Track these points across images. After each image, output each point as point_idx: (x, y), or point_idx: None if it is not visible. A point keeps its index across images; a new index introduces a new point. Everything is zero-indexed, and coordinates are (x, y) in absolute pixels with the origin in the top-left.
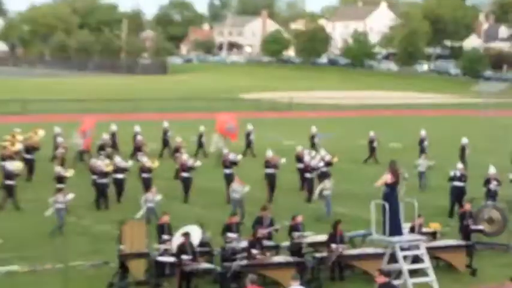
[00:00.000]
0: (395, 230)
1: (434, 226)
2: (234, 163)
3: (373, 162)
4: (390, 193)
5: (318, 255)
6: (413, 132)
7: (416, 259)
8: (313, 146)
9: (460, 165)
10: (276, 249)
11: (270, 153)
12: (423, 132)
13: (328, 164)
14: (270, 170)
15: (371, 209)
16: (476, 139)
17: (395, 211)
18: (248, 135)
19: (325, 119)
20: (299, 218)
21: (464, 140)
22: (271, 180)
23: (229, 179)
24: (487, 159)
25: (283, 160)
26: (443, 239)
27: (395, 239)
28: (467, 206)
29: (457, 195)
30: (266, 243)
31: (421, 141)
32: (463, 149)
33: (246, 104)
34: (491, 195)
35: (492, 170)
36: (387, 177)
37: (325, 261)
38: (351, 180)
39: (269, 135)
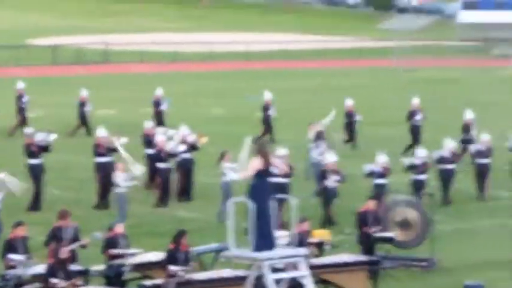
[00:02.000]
0: (264, 241)
1: (320, 234)
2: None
3: None
4: (259, 187)
5: (148, 283)
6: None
7: (295, 284)
8: (159, 118)
9: (382, 159)
10: (85, 275)
11: (102, 132)
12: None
13: (193, 147)
14: (102, 159)
15: (228, 210)
16: (387, 105)
17: (264, 213)
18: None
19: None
20: (118, 228)
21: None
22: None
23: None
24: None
25: (122, 140)
26: (334, 253)
27: (263, 255)
28: (370, 204)
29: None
30: (72, 267)
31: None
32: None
33: (36, 53)
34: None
35: (421, 153)
36: (255, 164)
37: None
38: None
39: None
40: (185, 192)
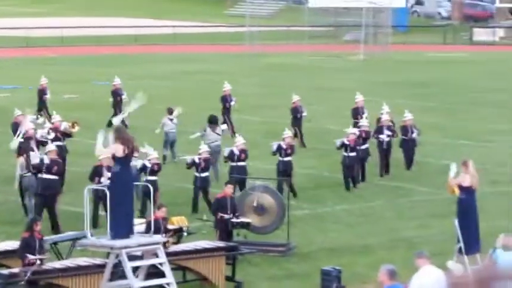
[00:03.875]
0: (121, 228)
1: (177, 221)
2: None
3: None
4: (121, 172)
5: (4, 271)
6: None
7: (154, 271)
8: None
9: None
10: None
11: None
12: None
13: (66, 135)
14: None
15: (84, 196)
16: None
17: (122, 199)
18: None
19: None
20: None
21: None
22: None
23: None
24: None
25: None
26: (192, 240)
27: (120, 242)
28: (227, 189)
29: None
30: None
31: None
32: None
33: None
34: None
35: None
36: (116, 149)
37: (16, 280)
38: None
39: None
40: None
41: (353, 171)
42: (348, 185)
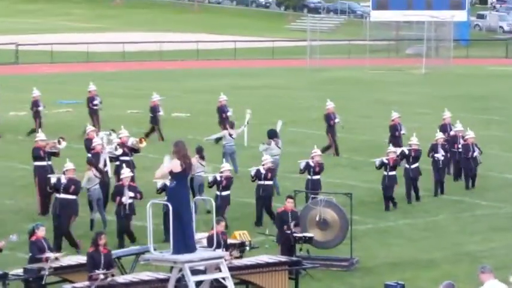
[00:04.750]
0: (184, 243)
1: (240, 235)
2: None
3: None
4: (178, 187)
5: (68, 286)
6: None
7: (217, 286)
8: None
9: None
10: (4, 279)
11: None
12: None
13: (133, 150)
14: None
15: (147, 212)
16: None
17: (183, 215)
18: None
19: None
20: (41, 232)
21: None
22: None
23: None
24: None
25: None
26: (255, 254)
27: (183, 257)
28: (288, 204)
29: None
30: None
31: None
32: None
33: None
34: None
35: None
36: (174, 165)
37: None
38: None
39: None
40: None
41: (392, 191)
42: (387, 205)
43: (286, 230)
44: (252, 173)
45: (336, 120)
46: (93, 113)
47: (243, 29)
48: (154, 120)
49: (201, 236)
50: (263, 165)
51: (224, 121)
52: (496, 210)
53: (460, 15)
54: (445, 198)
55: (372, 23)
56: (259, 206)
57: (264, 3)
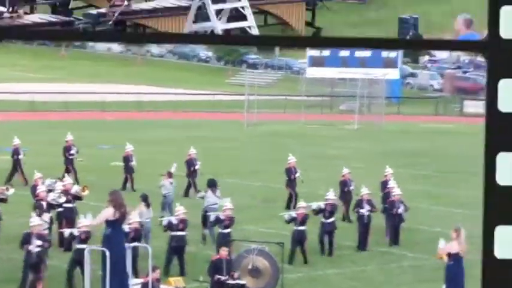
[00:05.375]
0: None
1: (175, 282)
2: None
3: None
4: (113, 234)
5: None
6: None
7: None
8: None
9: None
10: None
11: None
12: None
13: (76, 198)
14: None
15: (85, 259)
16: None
17: (115, 261)
18: None
19: None
20: None
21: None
22: None
23: None
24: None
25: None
26: None
27: None
28: (223, 252)
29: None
30: None
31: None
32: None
33: None
34: None
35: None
36: (108, 213)
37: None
38: None
39: None
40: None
41: (303, 246)
42: (291, 260)
43: (231, 277)
44: (164, 223)
45: (297, 175)
46: (69, 163)
47: (185, 82)
48: (127, 170)
49: (135, 282)
50: (176, 215)
51: (192, 174)
52: (423, 262)
53: (393, 74)
54: (373, 249)
55: (307, 79)
56: (171, 255)
57: (204, 58)
